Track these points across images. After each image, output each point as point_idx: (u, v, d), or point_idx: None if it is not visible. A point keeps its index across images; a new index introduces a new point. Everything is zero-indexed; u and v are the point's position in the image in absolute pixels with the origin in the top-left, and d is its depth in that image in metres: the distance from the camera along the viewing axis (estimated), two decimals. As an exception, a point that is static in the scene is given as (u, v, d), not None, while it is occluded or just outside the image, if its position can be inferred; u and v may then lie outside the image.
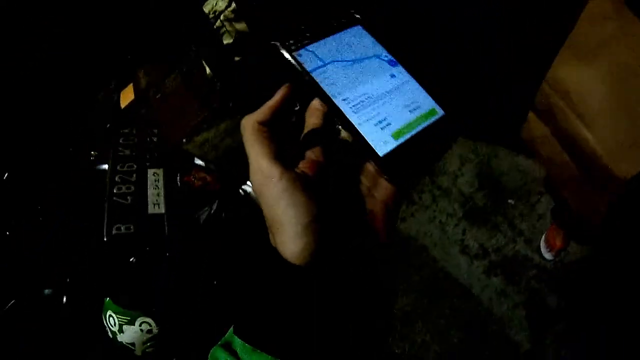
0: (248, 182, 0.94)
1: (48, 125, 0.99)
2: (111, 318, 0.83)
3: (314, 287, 0.35)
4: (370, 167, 0.42)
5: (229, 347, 0.37)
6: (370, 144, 0.42)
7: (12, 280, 0.84)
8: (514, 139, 2.42)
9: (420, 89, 0.49)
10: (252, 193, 0.92)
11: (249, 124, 0.39)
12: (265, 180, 0.36)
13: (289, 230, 0.35)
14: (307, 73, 0.44)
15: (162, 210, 0.73)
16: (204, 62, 1.18)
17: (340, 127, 0.44)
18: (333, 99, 0.44)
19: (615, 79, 0.91)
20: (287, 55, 0.45)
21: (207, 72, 1.17)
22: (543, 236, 2.24)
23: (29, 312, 0.86)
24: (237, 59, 1.31)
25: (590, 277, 2.05)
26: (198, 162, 0.91)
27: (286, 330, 0.35)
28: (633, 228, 1.21)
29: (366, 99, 0.45)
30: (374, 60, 0.49)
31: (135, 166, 0.80)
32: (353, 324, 0.36)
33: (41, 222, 0.87)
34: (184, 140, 1.19)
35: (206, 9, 1.29)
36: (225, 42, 1.30)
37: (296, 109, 0.45)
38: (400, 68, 0.49)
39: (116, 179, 0.78)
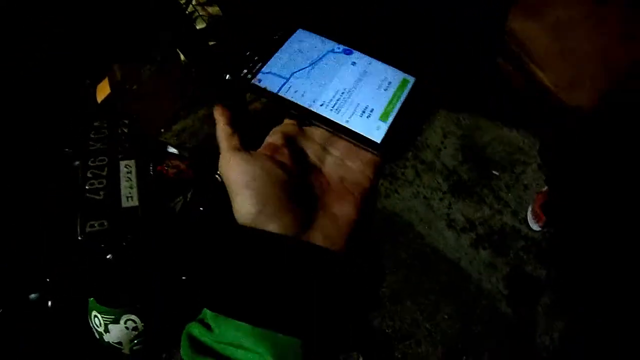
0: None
1: (24, 125, 0.98)
2: (96, 318, 0.83)
3: (273, 247, 0.39)
4: (341, 140, 0.46)
5: (202, 322, 0.40)
6: (365, 135, 0.44)
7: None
8: (497, 110, 2.45)
9: (384, 65, 0.50)
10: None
11: (220, 124, 0.45)
12: (224, 160, 0.42)
13: (236, 195, 0.40)
14: (275, 95, 0.46)
15: (136, 203, 0.72)
16: (177, 49, 1.17)
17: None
18: (311, 109, 0.45)
19: (556, 31, 1.09)
20: (246, 87, 0.46)
21: (182, 59, 1.17)
22: (530, 207, 2.26)
23: (18, 320, 0.85)
24: (211, 43, 1.30)
25: (578, 247, 2.08)
26: (171, 150, 0.89)
27: (248, 294, 0.38)
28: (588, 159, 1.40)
29: (341, 95, 0.46)
30: (330, 55, 0.50)
31: (106, 159, 0.79)
32: (324, 290, 0.38)
33: (21, 225, 0.86)
34: (162, 129, 1.18)
35: (177, -6, 1.27)
36: (198, 27, 1.28)
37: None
38: (357, 53, 0.51)
39: (88, 174, 0.76)
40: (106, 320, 0.82)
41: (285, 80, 0.47)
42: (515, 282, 2.13)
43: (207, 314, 0.39)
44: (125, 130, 0.86)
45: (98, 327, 0.83)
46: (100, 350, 0.86)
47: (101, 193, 0.73)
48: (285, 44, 0.50)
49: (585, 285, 2.05)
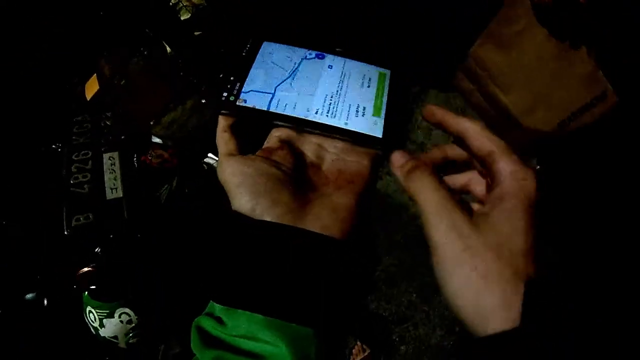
0: (210, 155, 0.94)
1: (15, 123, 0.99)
2: (91, 314, 0.83)
3: (277, 241, 0.40)
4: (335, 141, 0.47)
5: (211, 315, 0.40)
6: (367, 133, 0.45)
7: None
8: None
9: (358, 62, 0.51)
10: (214, 163, 0.92)
11: (218, 130, 0.46)
12: (220, 165, 0.44)
13: (233, 196, 0.42)
14: (266, 112, 0.46)
15: (120, 194, 0.72)
16: (163, 41, 1.17)
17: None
18: (307, 118, 0.46)
19: (522, 62, 1.34)
20: (232, 110, 0.46)
21: (168, 51, 1.17)
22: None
23: (16, 320, 0.86)
24: (196, 33, 1.30)
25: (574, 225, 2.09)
26: (155, 140, 0.90)
27: (256, 285, 0.39)
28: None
29: (330, 99, 0.47)
30: (305, 63, 0.50)
31: (90, 153, 0.79)
32: (326, 278, 0.39)
33: (10, 225, 0.86)
34: (152, 122, 1.18)
35: (160, -15, 1.27)
36: (183, 17, 1.28)
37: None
38: (329, 56, 0.51)
39: (72, 168, 0.77)
40: (101, 315, 0.82)
41: (271, 95, 0.47)
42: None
43: (216, 307, 0.40)
44: (109, 123, 0.86)
45: (93, 322, 0.84)
46: (97, 346, 0.87)
47: (86, 187, 0.73)
48: (257, 58, 0.50)
49: (586, 265, 2.06)
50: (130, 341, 0.86)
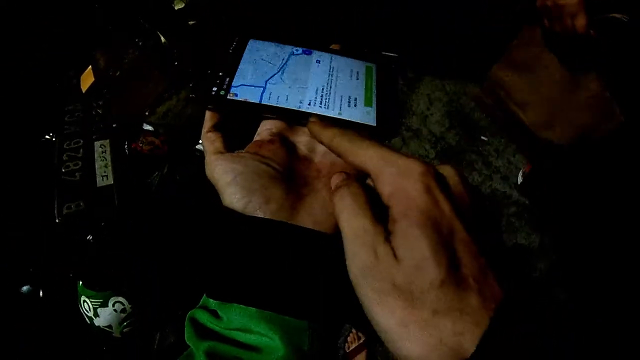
0: (201, 142, 0.95)
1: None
2: (85, 304, 0.84)
3: (264, 232, 0.40)
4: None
5: (206, 308, 0.40)
6: (361, 122, 0.46)
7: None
8: (482, 76, 2.45)
9: (345, 57, 0.52)
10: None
11: (203, 130, 0.47)
12: (208, 164, 0.44)
13: (223, 194, 0.42)
14: (258, 104, 0.46)
15: (111, 182, 0.72)
16: (158, 32, 1.17)
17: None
18: (300, 109, 0.46)
19: (537, 84, 1.47)
20: (223, 104, 0.46)
21: (163, 41, 1.17)
22: (520, 172, 2.28)
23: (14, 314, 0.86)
24: (191, 22, 1.30)
25: (570, 211, 2.10)
26: (146, 127, 0.90)
27: (249, 280, 0.39)
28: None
29: (322, 91, 0.48)
30: (293, 59, 0.51)
31: (81, 141, 0.79)
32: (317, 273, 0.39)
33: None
34: (147, 112, 1.19)
35: (154, -25, 1.27)
36: (177, 7, 1.28)
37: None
38: (317, 52, 0.52)
39: (64, 157, 0.77)
40: (95, 305, 0.83)
41: (262, 89, 0.47)
42: (508, 248, 2.16)
43: (210, 300, 0.40)
44: (100, 112, 0.86)
45: (88, 312, 0.84)
46: (91, 336, 0.87)
47: (77, 174, 0.73)
48: (244, 55, 0.50)
49: (580, 250, 2.06)
50: (125, 330, 0.86)
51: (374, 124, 0.46)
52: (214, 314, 0.39)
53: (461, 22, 2.29)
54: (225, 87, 0.47)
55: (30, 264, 0.85)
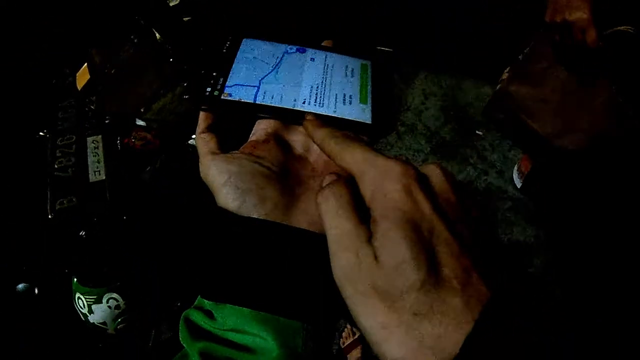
0: (193, 136, 0.95)
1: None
2: (80, 300, 0.84)
3: (259, 233, 0.40)
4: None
5: (201, 309, 0.40)
6: (357, 120, 0.46)
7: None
8: (478, 69, 2.45)
9: (340, 56, 0.52)
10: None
11: (197, 131, 0.46)
12: (202, 165, 0.44)
13: (217, 195, 0.42)
14: (252, 104, 0.46)
15: (103, 177, 0.73)
16: (152, 28, 1.17)
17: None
18: (295, 108, 0.46)
19: (548, 95, 1.54)
20: (217, 105, 0.46)
21: (157, 38, 1.17)
22: (515, 166, 2.28)
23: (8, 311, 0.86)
24: (186, 19, 1.30)
25: (568, 208, 2.11)
26: (139, 122, 0.90)
27: (243, 281, 0.39)
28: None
29: (317, 89, 0.48)
30: (287, 57, 0.51)
31: (74, 137, 0.79)
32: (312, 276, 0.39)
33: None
34: (142, 109, 1.19)
35: (148, -28, 1.27)
36: (172, 4, 1.28)
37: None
38: (310, 50, 0.52)
39: (57, 153, 0.77)
40: (89, 301, 0.83)
41: (256, 88, 0.47)
42: (504, 244, 2.16)
43: (205, 301, 0.40)
44: (93, 108, 0.86)
45: (82, 308, 0.85)
46: (87, 333, 0.88)
47: (70, 170, 0.74)
48: (238, 54, 0.50)
49: (576, 244, 2.07)
50: (119, 327, 0.87)
51: (370, 122, 0.46)
52: (209, 314, 0.39)
53: (461, 20, 2.30)
54: (219, 87, 0.46)
55: (25, 261, 0.86)
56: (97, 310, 0.84)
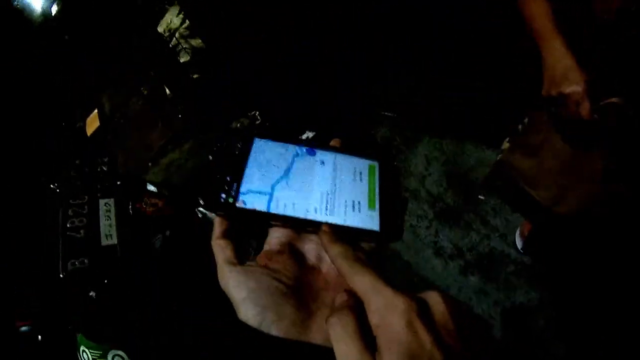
0: (202, 204, 0.97)
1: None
2: (84, 353, 0.84)
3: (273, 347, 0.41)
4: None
5: None
6: (365, 228, 0.47)
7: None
8: (480, 134, 2.50)
9: (348, 156, 0.53)
10: (208, 213, 0.95)
11: (213, 237, 0.47)
12: (221, 274, 0.45)
13: (238, 307, 0.43)
14: (267, 213, 0.47)
15: (115, 241, 0.75)
16: (163, 83, 1.21)
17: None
18: (307, 218, 0.47)
19: (546, 165, 1.58)
20: (232, 213, 0.47)
21: (168, 93, 1.20)
22: (518, 230, 2.30)
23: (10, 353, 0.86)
24: (195, 76, 1.33)
25: (569, 269, 2.10)
26: (150, 187, 0.93)
27: None
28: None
29: (327, 197, 0.49)
30: (298, 160, 0.52)
31: (86, 198, 0.82)
32: None
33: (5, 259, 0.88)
34: (150, 163, 1.21)
35: (160, 28, 1.32)
36: (182, 60, 1.32)
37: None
38: (320, 151, 0.53)
39: (69, 212, 0.79)
40: (94, 356, 0.83)
41: (269, 196, 0.47)
42: (507, 307, 2.15)
43: None
44: (105, 169, 0.89)
45: (87, 362, 0.85)
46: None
47: (81, 231, 0.76)
48: (250, 157, 0.50)
49: (580, 307, 2.06)
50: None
51: (378, 229, 0.47)
52: None
53: (462, 85, 2.36)
54: (233, 193, 0.47)
55: (31, 307, 0.86)
56: (102, 366, 0.84)
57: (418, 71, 2.44)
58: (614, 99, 1.23)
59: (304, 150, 0.53)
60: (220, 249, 0.46)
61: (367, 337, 0.37)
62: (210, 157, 0.47)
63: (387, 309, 0.37)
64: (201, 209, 0.94)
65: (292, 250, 0.48)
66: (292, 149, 0.53)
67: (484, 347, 0.37)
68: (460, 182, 2.48)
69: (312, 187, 0.49)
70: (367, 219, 0.48)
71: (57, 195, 0.86)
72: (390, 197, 0.50)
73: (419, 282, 2.17)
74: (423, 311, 0.37)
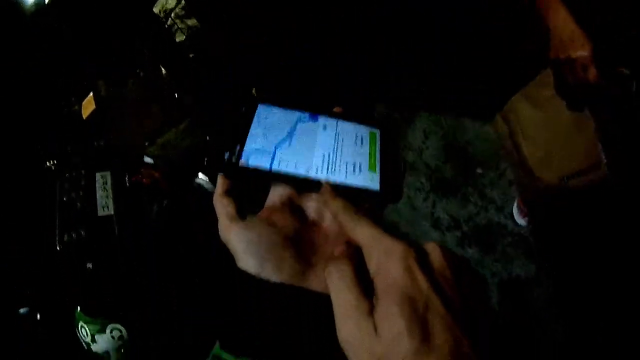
0: (200, 175, 0.96)
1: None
2: (83, 329, 0.85)
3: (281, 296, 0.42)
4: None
5: (219, 358, 0.44)
6: (365, 187, 0.48)
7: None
8: (479, 108, 2.48)
9: (350, 123, 0.54)
10: (204, 184, 0.95)
11: (215, 194, 0.48)
12: (222, 227, 0.45)
13: (238, 260, 0.43)
14: (269, 172, 0.48)
15: (111, 212, 0.75)
16: (159, 64, 1.20)
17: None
18: (308, 176, 0.48)
19: (547, 121, 1.62)
20: (236, 171, 0.47)
21: (163, 74, 1.19)
22: (515, 202, 2.31)
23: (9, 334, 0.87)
24: (191, 55, 1.33)
25: (566, 240, 2.11)
26: (147, 160, 0.92)
27: (263, 338, 0.42)
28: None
29: (328, 157, 0.50)
30: (301, 124, 0.52)
31: (83, 171, 0.82)
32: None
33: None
34: (147, 143, 1.21)
35: (156, 9, 1.31)
36: (177, 40, 1.32)
37: None
38: (323, 117, 0.54)
39: (65, 185, 0.80)
40: (92, 331, 0.84)
41: (272, 155, 0.48)
42: (504, 278, 2.16)
43: (223, 353, 0.43)
44: (102, 143, 0.89)
45: (85, 337, 0.85)
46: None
47: (78, 203, 0.76)
48: (254, 120, 0.51)
49: (577, 279, 2.07)
50: (122, 357, 0.87)
51: (378, 189, 0.48)
52: None
53: (461, 59, 2.34)
54: (236, 153, 0.48)
55: (28, 287, 0.87)
56: (100, 340, 0.85)
57: (420, 74, 2.43)
58: (622, 69, 1.22)
59: (307, 115, 0.53)
60: (222, 206, 0.46)
61: (365, 285, 0.37)
62: (213, 125, 0.47)
63: (386, 255, 0.37)
64: (199, 179, 0.94)
65: (293, 207, 0.48)
66: (296, 114, 0.53)
67: (481, 300, 0.37)
68: (459, 156, 2.48)
69: (314, 149, 0.50)
70: (368, 179, 0.48)
71: (53, 170, 0.86)
72: (391, 161, 0.51)
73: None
74: (422, 258, 0.37)
